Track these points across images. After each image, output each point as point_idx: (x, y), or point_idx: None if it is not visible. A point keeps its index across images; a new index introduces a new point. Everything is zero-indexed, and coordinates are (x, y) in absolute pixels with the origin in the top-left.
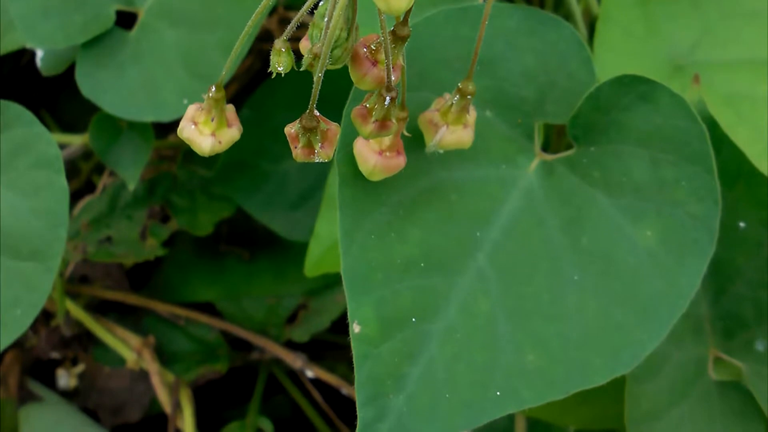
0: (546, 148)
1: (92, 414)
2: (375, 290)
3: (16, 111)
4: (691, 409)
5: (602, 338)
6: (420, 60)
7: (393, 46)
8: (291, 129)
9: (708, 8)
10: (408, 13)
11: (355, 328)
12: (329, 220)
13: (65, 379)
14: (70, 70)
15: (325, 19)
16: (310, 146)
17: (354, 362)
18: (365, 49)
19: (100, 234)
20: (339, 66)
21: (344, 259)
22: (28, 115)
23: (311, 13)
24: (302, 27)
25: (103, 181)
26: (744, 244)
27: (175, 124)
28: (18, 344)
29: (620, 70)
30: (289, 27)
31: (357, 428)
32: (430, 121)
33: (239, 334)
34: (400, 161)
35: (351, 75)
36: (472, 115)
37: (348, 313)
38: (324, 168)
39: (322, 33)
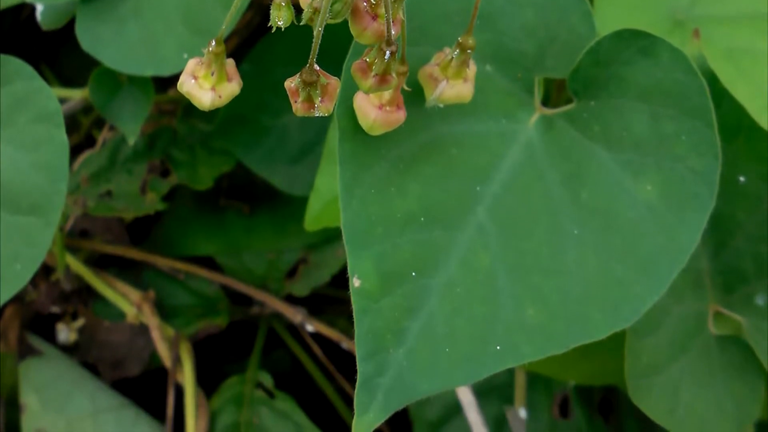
0: (546, 102)
1: (92, 368)
2: (375, 244)
3: (16, 65)
4: (691, 364)
5: (602, 293)
6: (420, 14)
7: (393, 0)
8: (291, 83)
9: None
10: None
11: (355, 282)
12: (329, 175)
13: (65, 333)
14: (70, 24)
15: None
16: (310, 100)
17: (354, 316)
18: (365, 4)
19: (100, 188)
20: (339, 20)
21: (344, 213)
22: (28, 70)
23: None
24: None
25: (103, 136)
26: (744, 198)
27: (175, 78)
28: (18, 298)
29: (620, 24)
30: None
31: (357, 382)
32: (430, 76)
33: (239, 289)
34: (400, 116)
35: (351, 29)
36: (472, 70)
37: (348, 268)
38: (324, 122)
39: None
